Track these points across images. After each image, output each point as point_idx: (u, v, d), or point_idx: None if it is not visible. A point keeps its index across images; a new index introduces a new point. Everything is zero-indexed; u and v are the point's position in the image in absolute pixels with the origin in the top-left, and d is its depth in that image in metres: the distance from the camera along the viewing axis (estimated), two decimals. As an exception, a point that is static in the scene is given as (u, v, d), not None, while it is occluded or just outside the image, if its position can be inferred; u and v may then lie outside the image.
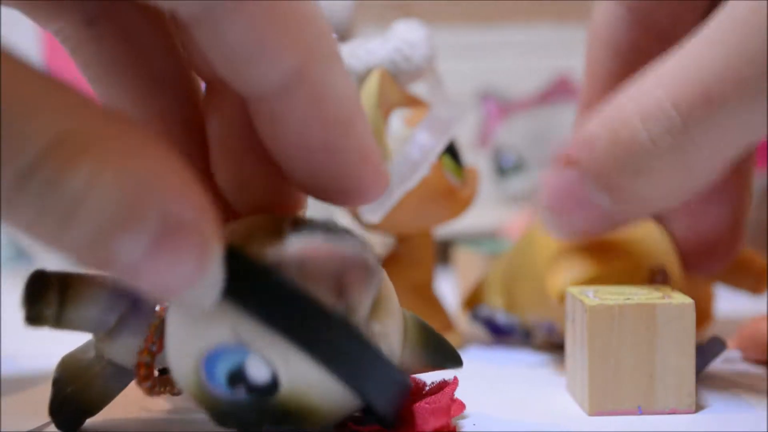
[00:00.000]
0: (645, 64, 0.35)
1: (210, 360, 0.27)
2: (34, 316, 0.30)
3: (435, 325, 0.45)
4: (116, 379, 0.32)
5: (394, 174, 0.42)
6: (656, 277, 0.39)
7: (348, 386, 0.28)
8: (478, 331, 0.49)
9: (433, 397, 0.33)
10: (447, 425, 0.31)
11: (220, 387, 0.28)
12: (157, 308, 0.31)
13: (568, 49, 0.75)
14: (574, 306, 0.35)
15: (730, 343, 0.42)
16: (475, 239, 0.57)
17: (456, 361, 0.33)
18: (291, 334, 0.26)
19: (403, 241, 0.46)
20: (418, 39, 0.44)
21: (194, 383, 0.28)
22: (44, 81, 0.23)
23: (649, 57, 0.36)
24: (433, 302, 0.46)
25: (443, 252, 0.62)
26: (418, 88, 0.45)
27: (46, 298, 0.30)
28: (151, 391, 0.31)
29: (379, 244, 0.48)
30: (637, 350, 0.33)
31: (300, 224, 0.28)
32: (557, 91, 0.60)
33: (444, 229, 0.50)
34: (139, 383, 0.31)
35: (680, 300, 0.34)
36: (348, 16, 0.77)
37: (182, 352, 0.28)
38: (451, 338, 0.45)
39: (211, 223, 0.24)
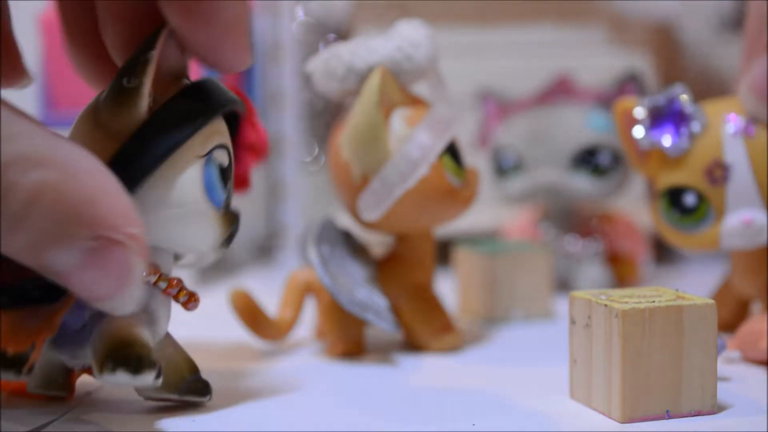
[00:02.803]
0: None
1: None
2: None
3: (435, 325, 0.45)
4: None
5: (393, 172, 0.42)
6: None
7: None
8: (478, 331, 0.49)
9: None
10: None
11: None
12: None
13: (568, 49, 0.75)
14: (590, 311, 0.35)
15: (729, 343, 0.41)
16: (475, 239, 0.57)
17: None
18: None
19: (402, 240, 0.46)
20: (421, 38, 0.43)
21: None
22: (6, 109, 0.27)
23: None
24: (433, 302, 0.46)
25: (443, 252, 0.62)
26: (419, 88, 0.45)
27: None
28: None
29: (379, 243, 0.48)
30: (666, 353, 0.33)
31: None
32: (557, 91, 0.60)
33: (444, 229, 0.50)
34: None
35: (704, 301, 0.34)
36: (347, 16, 0.77)
37: None
38: (451, 338, 0.45)
39: (137, 246, 0.28)
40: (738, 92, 0.42)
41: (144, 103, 0.32)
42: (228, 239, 0.35)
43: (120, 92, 0.32)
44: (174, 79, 0.34)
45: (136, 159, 0.31)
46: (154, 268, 0.33)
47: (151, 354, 0.31)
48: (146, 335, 0.32)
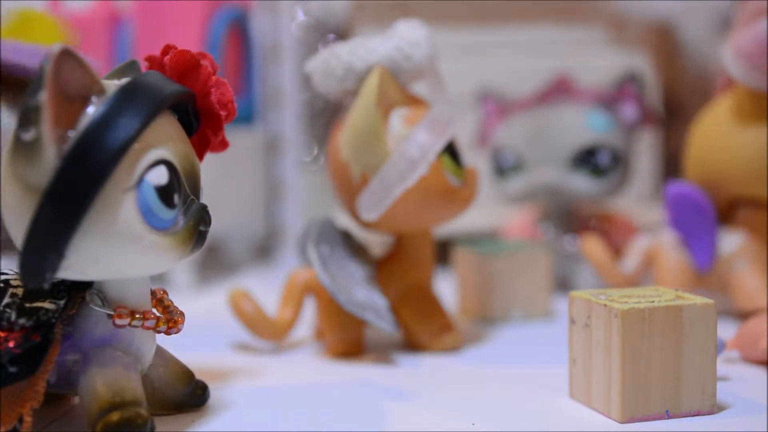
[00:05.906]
0: None
1: None
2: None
3: (435, 325, 0.45)
4: None
5: (392, 172, 0.42)
6: None
7: None
8: (477, 332, 0.49)
9: None
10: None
11: None
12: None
13: (568, 49, 0.75)
14: (589, 311, 0.35)
15: (729, 343, 0.41)
16: (475, 239, 0.57)
17: None
18: None
19: (402, 240, 0.46)
20: (419, 38, 0.43)
21: None
22: None
23: None
24: (433, 302, 0.46)
25: (443, 252, 0.62)
26: (417, 88, 0.45)
27: None
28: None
29: (379, 243, 0.48)
30: (666, 353, 0.33)
31: None
32: (557, 91, 0.60)
33: (444, 229, 0.50)
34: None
35: (703, 300, 0.34)
36: (347, 16, 0.77)
37: None
38: (450, 338, 0.45)
39: None
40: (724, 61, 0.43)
41: (47, 152, 0.29)
42: (199, 239, 0.33)
43: (21, 148, 0.30)
44: (83, 100, 0.30)
45: (62, 207, 0.29)
46: (126, 311, 0.32)
47: (140, 411, 0.31)
48: (134, 382, 0.32)
